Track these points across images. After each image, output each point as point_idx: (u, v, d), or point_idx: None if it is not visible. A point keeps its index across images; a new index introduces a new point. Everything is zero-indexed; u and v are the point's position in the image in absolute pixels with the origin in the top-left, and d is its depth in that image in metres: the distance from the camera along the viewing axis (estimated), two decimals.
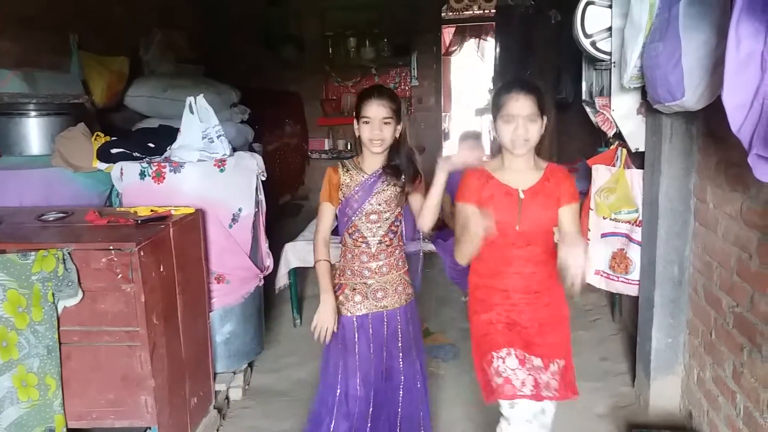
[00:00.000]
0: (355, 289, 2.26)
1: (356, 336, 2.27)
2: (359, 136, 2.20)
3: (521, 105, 1.92)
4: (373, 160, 2.22)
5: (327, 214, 2.23)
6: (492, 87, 7.78)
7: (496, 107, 1.99)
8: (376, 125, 2.13)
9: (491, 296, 2.09)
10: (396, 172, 2.21)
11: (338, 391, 2.28)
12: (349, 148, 7.34)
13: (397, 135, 2.20)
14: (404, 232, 2.36)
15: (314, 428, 2.30)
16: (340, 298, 2.27)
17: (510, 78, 2.21)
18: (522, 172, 2.02)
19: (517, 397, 1.95)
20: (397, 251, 2.30)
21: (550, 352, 2.02)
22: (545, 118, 1.99)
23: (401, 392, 2.33)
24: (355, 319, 2.26)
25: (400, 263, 2.31)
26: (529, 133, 1.94)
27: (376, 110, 2.13)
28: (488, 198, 1.99)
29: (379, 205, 2.21)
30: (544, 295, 2.07)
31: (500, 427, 2.08)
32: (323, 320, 2.13)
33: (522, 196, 1.99)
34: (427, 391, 2.42)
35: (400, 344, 2.31)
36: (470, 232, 1.86)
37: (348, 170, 2.23)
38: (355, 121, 2.22)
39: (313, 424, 2.32)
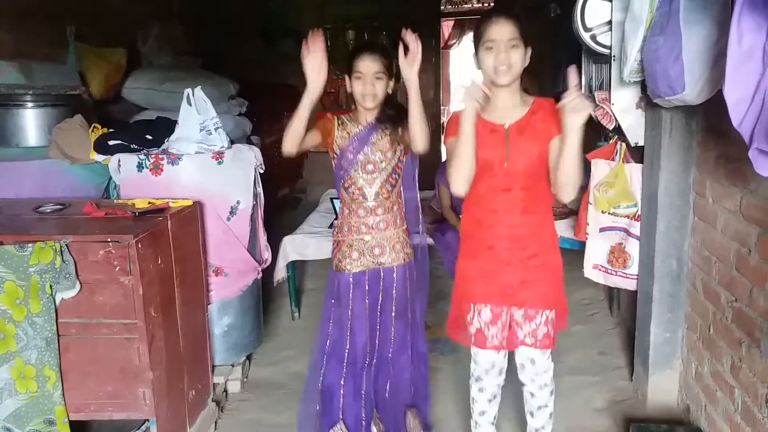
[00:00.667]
0: (351, 246, 2.28)
1: (351, 293, 2.30)
2: (351, 93, 2.21)
3: (501, 29, 1.89)
4: (366, 115, 2.24)
5: (310, 135, 2.22)
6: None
7: (477, 37, 1.96)
8: (369, 80, 2.14)
9: (476, 246, 2.11)
10: (390, 120, 2.21)
11: (328, 341, 2.35)
12: None
13: (389, 91, 2.21)
14: (402, 187, 2.36)
15: (310, 377, 2.43)
16: (338, 255, 2.30)
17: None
18: (508, 109, 2.00)
19: (486, 348, 2.11)
20: (395, 207, 2.31)
21: (536, 303, 2.06)
22: (528, 48, 1.95)
23: (391, 356, 2.38)
24: (351, 276, 2.29)
25: (398, 220, 2.32)
26: (512, 58, 1.90)
27: (369, 65, 2.14)
28: (475, 136, 1.94)
29: (374, 155, 2.22)
30: (531, 245, 2.06)
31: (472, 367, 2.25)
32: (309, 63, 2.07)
33: (507, 132, 1.97)
34: (422, 361, 2.47)
35: (393, 305, 2.33)
36: (463, 110, 1.86)
37: (342, 122, 2.26)
38: (347, 77, 2.23)
39: (310, 371, 2.45)
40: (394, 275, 2.31)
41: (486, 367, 2.22)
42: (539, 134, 1.98)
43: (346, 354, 2.33)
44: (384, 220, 2.28)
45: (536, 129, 1.98)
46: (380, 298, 2.33)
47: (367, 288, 2.30)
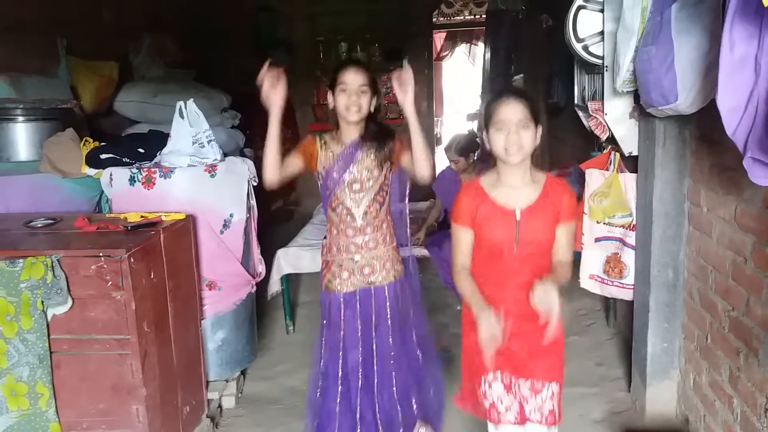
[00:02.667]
0: (341, 266, 2.26)
1: (342, 314, 2.27)
2: (334, 107, 2.19)
3: (512, 110, 1.86)
4: (349, 130, 2.22)
5: (291, 161, 2.22)
6: (482, 92, 7.78)
7: (487, 117, 1.94)
8: (353, 92, 2.13)
9: None
10: (375, 138, 2.21)
11: (322, 362, 2.32)
12: None
13: (372, 108, 2.20)
14: (390, 202, 2.34)
15: (310, 398, 2.39)
16: (327, 275, 2.27)
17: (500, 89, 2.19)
18: (518, 188, 1.94)
19: (501, 423, 2.00)
20: (384, 225, 2.29)
21: (542, 376, 2.00)
22: (539, 127, 1.93)
23: (394, 373, 2.33)
24: (342, 296, 2.26)
25: (387, 238, 2.30)
26: (522, 139, 1.86)
27: (353, 78, 2.14)
28: (484, 219, 1.92)
29: (360, 173, 2.20)
30: (538, 320, 1.97)
31: None
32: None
33: (519, 217, 1.91)
34: (434, 363, 2.46)
35: (389, 323, 2.30)
36: (480, 334, 1.82)
37: (325, 142, 2.23)
38: (329, 94, 2.21)
39: (310, 392, 2.41)
40: (386, 294, 2.29)
41: None
42: (550, 218, 1.94)
43: (340, 375, 2.30)
44: (373, 238, 2.26)
45: (547, 212, 1.94)
46: (374, 319, 2.29)
47: (358, 308, 2.27)
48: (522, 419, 2.00)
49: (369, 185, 2.22)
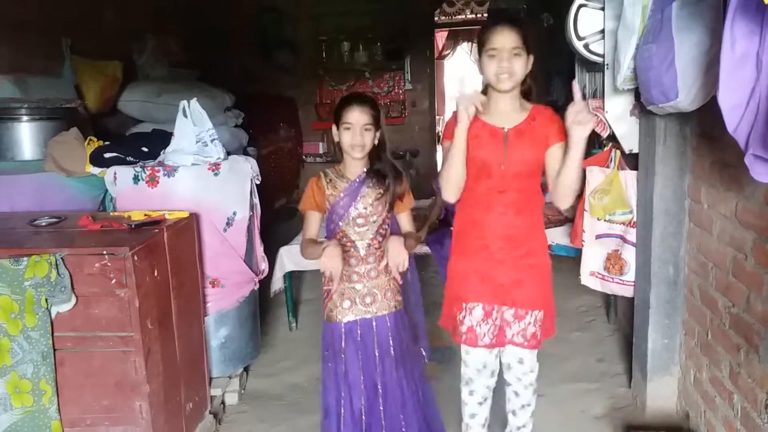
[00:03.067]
0: (343, 294, 2.26)
1: (343, 343, 2.27)
2: (338, 142, 2.22)
3: (505, 38, 1.92)
4: (354, 165, 2.23)
5: (314, 220, 2.24)
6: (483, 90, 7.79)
7: (480, 43, 1.99)
8: (358, 131, 2.14)
9: (470, 245, 2.13)
10: (379, 175, 2.22)
11: (332, 394, 2.30)
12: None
13: (376, 142, 2.21)
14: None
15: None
16: (329, 305, 2.28)
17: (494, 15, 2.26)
18: (507, 113, 2.03)
19: (477, 346, 2.13)
20: (385, 255, 2.28)
21: (526, 303, 2.10)
22: (531, 56, 1.99)
23: (401, 406, 2.32)
24: (343, 326, 2.26)
25: (388, 268, 2.31)
26: (514, 66, 1.94)
27: (358, 117, 2.14)
28: (473, 138, 1.99)
29: (365, 209, 2.21)
30: (523, 246, 2.09)
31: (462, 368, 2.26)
32: (328, 265, 2.07)
33: (507, 135, 2.01)
34: (430, 395, 2.45)
35: (392, 353, 2.30)
36: (458, 112, 1.89)
37: (330, 179, 2.25)
38: (334, 127, 2.22)
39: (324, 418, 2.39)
40: (387, 323, 2.30)
41: (477, 367, 2.23)
42: (537, 139, 2.03)
43: (342, 411, 2.28)
44: (375, 268, 2.27)
45: (534, 134, 2.03)
46: (377, 352, 2.29)
47: (359, 338, 2.27)
48: (500, 342, 2.13)
49: (373, 220, 2.23)
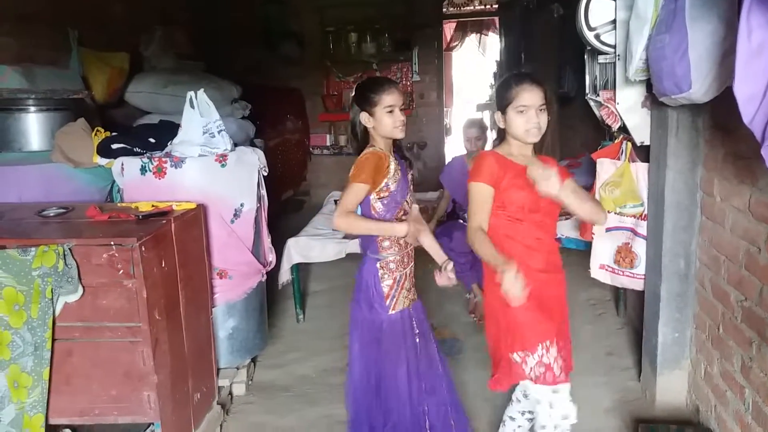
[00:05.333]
0: (405, 278, 2.28)
1: (414, 327, 2.30)
2: (373, 127, 2.18)
3: (534, 96, 2.02)
4: (388, 146, 2.24)
5: (362, 194, 2.14)
6: (493, 82, 7.75)
7: (506, 99, 2.05)
8: (399, 112, 2.17)
9: (527, 274, 2.04)
10: (404, 155, 2.31)
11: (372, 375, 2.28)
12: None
13: None
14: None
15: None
16: (393, 292, 2.24)
17: (514, 71, 2.24)
18: (528, 159, 2.09)
19: (560, 382, 2.05)
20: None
21: (566, 334, 2.14)
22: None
23: (444, 378, 2.37)
24: (410, 310, 2.29)
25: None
26: (542, 122, 2.03)
27: (398, 98, 2.18)
28: (512, 179, 2.03)
29: (409, 186, 2.29)
30: (561, 272, 2.15)
31: (542, 421, 2.12)
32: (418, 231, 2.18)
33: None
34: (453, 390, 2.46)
35: (430, 334, 2.38)
36: (504, 288, 1.84)
37: (387, 156, 2.20)
38: (363, 114, 2.18)
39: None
40: (421, 305, 2.37)
41: (569, 397, 2.10)
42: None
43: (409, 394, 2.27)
44: (413, 247, 2.32)
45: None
46: (419, 332, 2.33)
47: (416, 320, 2.31)
48: (566, 374, 2.10)
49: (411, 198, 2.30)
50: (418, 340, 2.30)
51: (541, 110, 2.03)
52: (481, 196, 2.04)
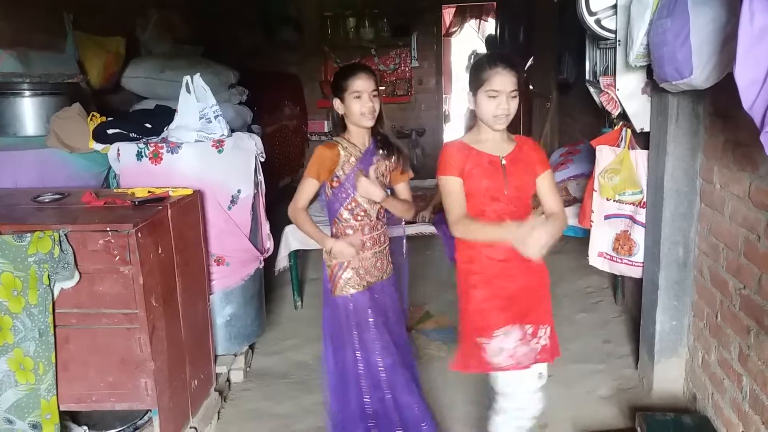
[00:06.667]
0: (360, 263, 2.28)
1: (369, 311, 2.29)
2: (343, 114, 2.21)
3: (506, 81, 1.94)
4: (360, 135, 2.24)
5: (311, 189, 2.22)
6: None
7: (477, 81, 1.99)
8: (367, 98, 2.15)
9: (489, 268, 2.07)
10: (387, 143, 2.27)
11: (349, 358, 2.30)
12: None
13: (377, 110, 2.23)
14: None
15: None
16: (344, 276, 2.27)
17: (488, 52, 2.23)
18: (498, 143, 2.06)
19: (520, 368, 2.04)
20: (385, 219, 2.37)
21: (538, 319, 2.08)
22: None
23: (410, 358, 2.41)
24: (365, 294, 2.29)
25: (387, 232, 2.40)
26: (511, 108, 1.97)
27: (366, 84, 2.16)
28: (473, 168, 2.01)
29: (377, 178, 2.23)
30: (533, 261, 2.06)
31: (500, 407, 2.14)
32: (346, 253, 2.21)
33: (504, 162, 2.02)
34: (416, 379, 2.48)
35: (398, 309, 2.40)
36: (500, 236, 1.90)
37: (344, 147, 2.22)
38: (336, 100, 2.21)
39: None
40: (392, 286, 2.38)
41: (533, 389, 2.11)
42: (529, 167, 2.07)
43: (360, 369, 2.30)
44: (383, 233, 2.34)
45: (526, 162, 2.07)
46: (389, 312, 2.36)
47: (375, 302, 2.31)
48: (527, 362, 2.06)
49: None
50: (373, 326, 2.28)
51: (512, 96, 1.96)
52: (452, 188, 2.02)
